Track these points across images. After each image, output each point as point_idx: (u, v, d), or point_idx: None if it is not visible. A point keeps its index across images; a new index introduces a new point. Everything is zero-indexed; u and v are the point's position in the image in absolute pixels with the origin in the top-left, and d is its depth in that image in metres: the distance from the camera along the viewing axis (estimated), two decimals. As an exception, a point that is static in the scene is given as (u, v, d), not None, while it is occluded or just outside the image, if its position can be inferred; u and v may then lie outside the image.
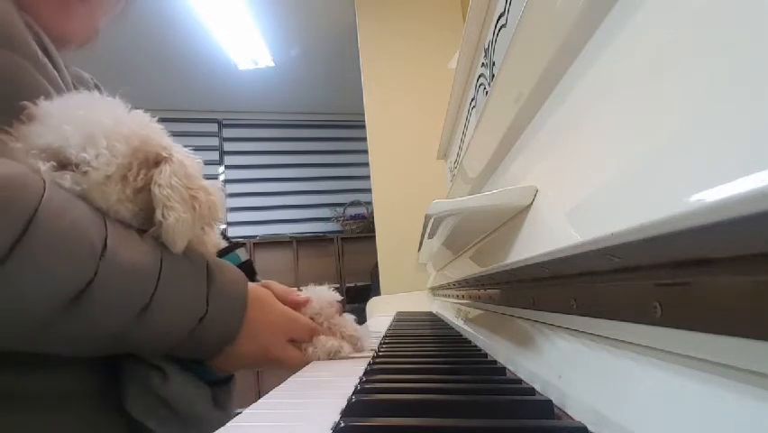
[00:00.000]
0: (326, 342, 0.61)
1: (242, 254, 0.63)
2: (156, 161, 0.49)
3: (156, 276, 0.45)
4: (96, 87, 0.66)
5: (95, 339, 0.43)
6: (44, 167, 0.43)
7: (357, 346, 0.65)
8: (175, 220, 0.47)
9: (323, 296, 0.66)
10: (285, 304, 0.61)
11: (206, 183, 0.52)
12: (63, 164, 0.44)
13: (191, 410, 0.52)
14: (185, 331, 0.47)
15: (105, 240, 0.42)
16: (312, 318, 0.63)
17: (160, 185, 0.47)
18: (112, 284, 0.42)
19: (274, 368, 0.59)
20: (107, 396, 0.50)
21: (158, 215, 0.47)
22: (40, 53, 0.50)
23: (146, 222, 0.48)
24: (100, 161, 0.45)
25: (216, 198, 0.52)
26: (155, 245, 0.47)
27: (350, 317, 0.67)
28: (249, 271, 0.62)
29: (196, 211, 0.49)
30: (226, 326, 0.51)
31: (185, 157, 0.51)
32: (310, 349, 0.60)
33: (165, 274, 0.45)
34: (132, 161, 0.47)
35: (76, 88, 0.56)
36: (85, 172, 0.44)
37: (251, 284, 0.56)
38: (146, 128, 0.50)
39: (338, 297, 0.67)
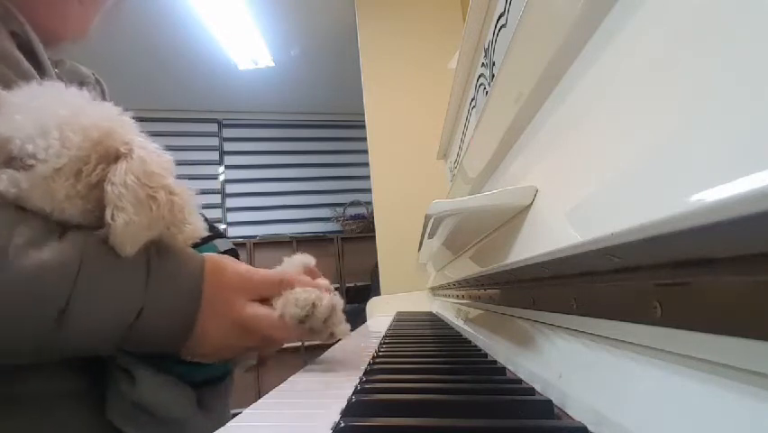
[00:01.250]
0: (300, 293, 0.50)
1: (223, 245, 0.58)
2: (116, 157, 0.46)
3: (73, 276, 0.41)
4: (98, 82, 0.65)
5: (14, 348, 0.41)
6: None
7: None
8: (123, 223, 0.43)
9: (293, 261, 0.60)
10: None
11: (171, 183, 0.48)
12: (11, 157, 0.42)
13: (168, 414, 0.49)
14: (120, 327, 0.44)
15: (10, 243, 0.39)
16: None
17: (113, 183, 0.44)
18: (16, 290, 0.39)
19: (252, 336, 0.51)
20: (96, 397, 0.49)
21: (107, 215, 0.43)
22: (8, 47, 0.49)
23: (100, 220, 0.45)
24: (49, 152, 0.42)
25: (181, 199, 0.48)
26: (76, 241, 0.43)
27: (326, 284, 0.58)
28: None
29: (152, 212, 0.45)
30: (178, 311, 0.47)
31: (150, 153, 0.47)
32: (280, 302, 0.50)
33: (86, 272, 0.42)
34: (91, 155, 0.44)
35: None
36: (31, 166, 0.42)
37: (208, 256, 0.51)
38: (111, 121, 0.47)
39: (311, 260, 0.61)
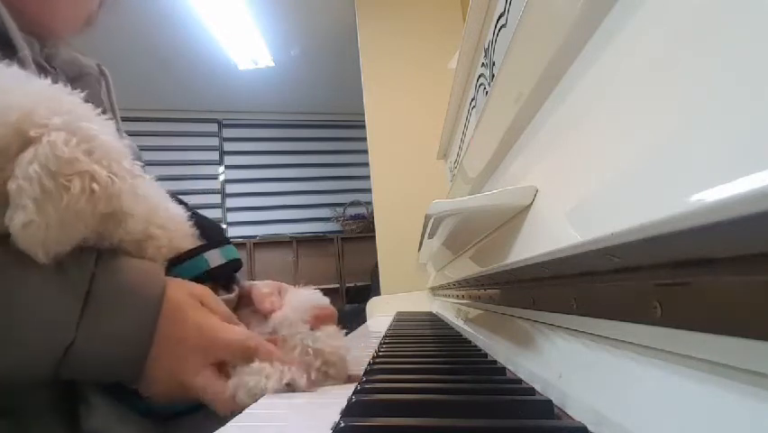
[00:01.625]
0: (254, 374, 0.42)
1: (215, 258, 0.51)
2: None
3: None
4: (102, 73, 0.64)
5: None
6: None
7: (330, 371, 0.47)
8: (20, 225, 0.36)
9: (298, 301, 0.51)
10: (257, 311, 0.50)
11: (96, 168, 0.39)
12: None
13: None
14: (45, 365, 0.38)
15: None
16: (273, 331, 0.49)
17: (14, 177, 0.37)
18: None
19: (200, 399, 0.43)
20: (72, 412, 0.45)
21: (6, 217, 0.37)
22: None
23: None
24: None
25: (109, 188, 0.40)
26: None
27: (332, 331, 0.50)
28: (227, 275, 0.53)
29: (64, 205, 0.38)
30: (113, 358, 0.40)
31: (74, 136, 0.39)
32: (233, 382, 0.42)
33: (3, 302, 0.37)
34: (12, 143, 0.37)
35: (47, 74, 0.49)
36: None
37: (174, 289, 0.44)
38: (38, 100, 0.39)
39: (321, 301, 0.52)
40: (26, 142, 0.38)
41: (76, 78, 0.59)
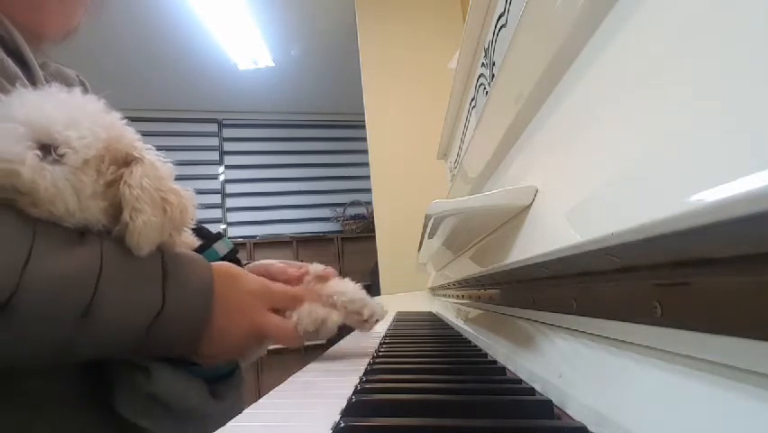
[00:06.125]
0: (312, 310, 0.57)
1: (222, 248, 0.60)
2: (126, 161, 0.47)
3: (94, 281, 0.42)
4: (82, 83, 0.65)
5: (35, 354, 0.41)
6: (30, 157, 0.40)
7: (357, 314, 0.61)
8: (143, 223, 0.45)
9: (312, 270, 0.65)
10: (283, 281, 0.60)
11: (177, 187, 0.50)
12: (43, 145, 0.42)
13: (184, 405, 0.50)
14: (139, 330, 0.44)
15: (31, 249, 0.39)
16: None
17: (130, 185, 0.46)
18: (38, 295, 0.39)
19: (263, 341, 0.57)
20: (87, 398, 0.50)
21: (125, 216, 0.45)
22: None
23: (113, 221, 0.46)
24: (82, 142, 0.43)
25: (188, 203, 0.50)
26: (95, 246, 0.44)
27: (348, 281, 0.64)
28: (230, 261, 0.60)
29: (167, 214, 0.47)
30: (192, 314, 0.48)
31: (156, 159, 0.50)
32: (295, 316, 0.56)
33: (106, 277, 0.42)
34: (106, 155, 0.46)
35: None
36: (61, 156, 0.42)
37: (216, 264, 0.53)
38: (119, 125, 0.49)
39: (329, 269, 0.66)
40: (115, 157, 0.47)
41: None
